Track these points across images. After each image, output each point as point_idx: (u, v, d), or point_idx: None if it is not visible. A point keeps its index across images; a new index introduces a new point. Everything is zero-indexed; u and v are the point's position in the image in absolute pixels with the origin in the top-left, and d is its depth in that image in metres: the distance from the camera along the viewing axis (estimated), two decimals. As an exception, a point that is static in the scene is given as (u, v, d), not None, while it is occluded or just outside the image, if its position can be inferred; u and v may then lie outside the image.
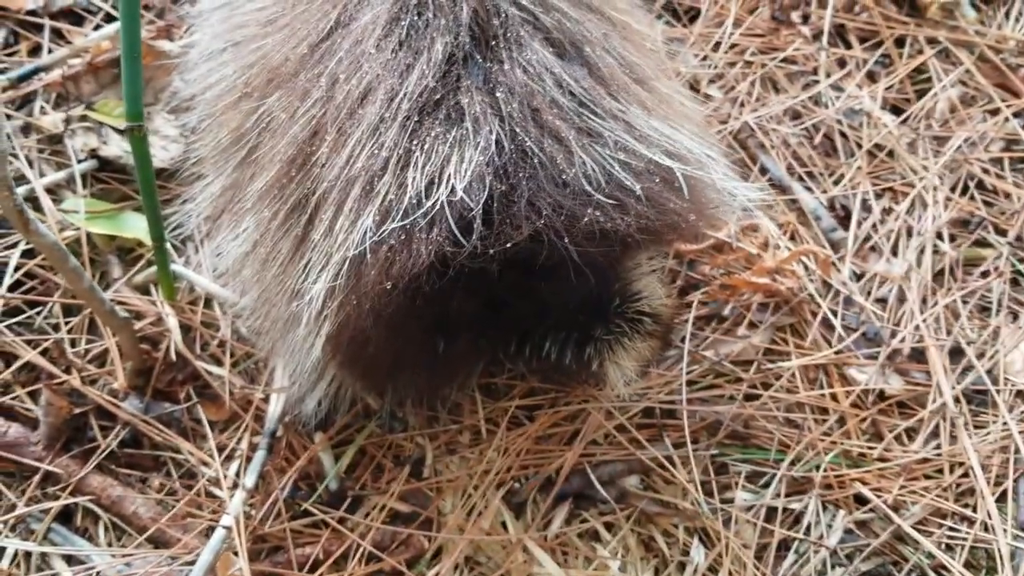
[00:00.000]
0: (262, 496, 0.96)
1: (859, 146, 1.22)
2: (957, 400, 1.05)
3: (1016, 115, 1.25)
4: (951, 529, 0.99)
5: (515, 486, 0.99)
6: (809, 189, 1.19)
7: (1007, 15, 1.32)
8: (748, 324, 1.09)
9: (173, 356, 1.01)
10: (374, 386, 0.97)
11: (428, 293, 0.71)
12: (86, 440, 0.99)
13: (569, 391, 1.03)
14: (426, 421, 1.02)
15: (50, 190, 1.09)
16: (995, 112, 1.26)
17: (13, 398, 1.00)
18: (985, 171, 1.21)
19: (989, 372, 1.08)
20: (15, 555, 0.93)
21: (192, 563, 0.90)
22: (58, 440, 0.97)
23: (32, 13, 1.31)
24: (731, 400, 1.04)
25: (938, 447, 1.03)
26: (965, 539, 0.98)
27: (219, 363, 1.03)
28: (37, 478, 0.96)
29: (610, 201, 0.71)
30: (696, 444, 1.01)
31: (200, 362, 1.02)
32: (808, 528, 0.99)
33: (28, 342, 1.02)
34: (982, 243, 1.17)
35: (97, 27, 1.28)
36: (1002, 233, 1.18)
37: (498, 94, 0.73)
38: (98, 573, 0.92)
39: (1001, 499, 1.00)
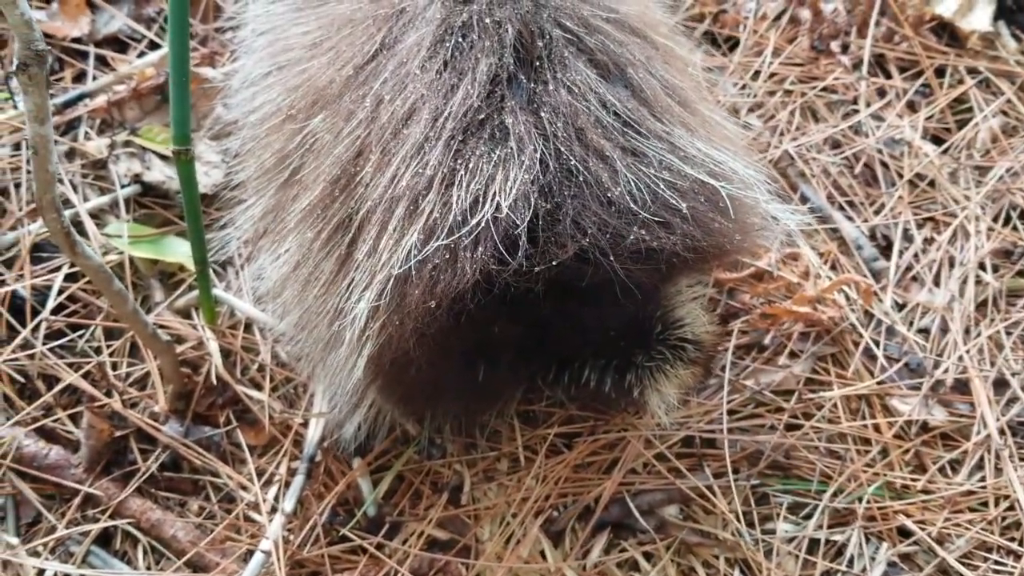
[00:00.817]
0: (300, 521, 0.95)
1: (900, 175, 1.21)
2: (1002, 432, 1.03)
3: (1059, 145, 1.24)
4: (997, 563, 0.97)
5: (553, 514, 0.97)
6: (850, 218, 1.18)
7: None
8: (789, 353, 1.08)
9: (213, 380, 1.02)
10: (413, 411, 0.97)
11: (472, 313, 0.71)
12: (126, 463, 0.99)
13: (608, 419, 1.02)
14: (464, 448, 1.01)
15: (94, 214, 1.10)
16: (1038, 142, 1.25)
17: (55, 420, 1.01)
18: (1029, 200, 1.20)
19: (1035, 403, 1.06)
20: (54, 577, 0.93)
21: (230, 587, 0.90)
22: (99, 463, 0.97)
23: (77, 40, 1.33)
24: (772, 430, 1.03)
25: (983, 479, 1.01)
26: (1011, 573, 0.96)
27: (259, 387, 1.03)
28: (77, 500, 0.96)
29: (656, 220, 0.71)
30: (737, 474, 1.00)
31: (240, 386, 1.03)
32: (851, 561, 0.97)
33: (70, 365, 1.02)
34: (1026, 273, 1.16)
35: (141, 54, 1.30)
36: (1047, 263, 1.16)
37: (542, 114, 0.73)
38: (136, 596, 0.91)
39: (1049, 533, 0.98)
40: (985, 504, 1.00)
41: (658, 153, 0.74)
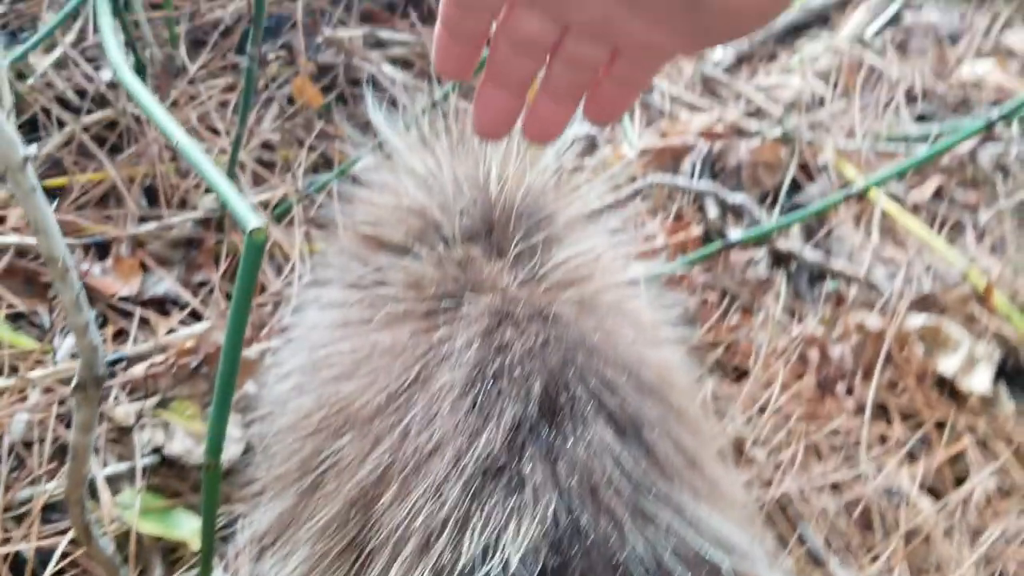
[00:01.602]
0: None
1: (896, 526, 1.24)
2: None
3: (1053, 513, 1.27)
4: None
5: None
6: (846, 564, 1.20)
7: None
8: None
9: (200, 666, 1.01)
10: None
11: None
12: None
13: None
14: None
15: (109, 479, 1.13)
16: (1032, 508, 1.28)
17: None
18: (1022, 566, 1.22)
19: None
20: None
21: None
22: None
23: (124, 299, 1.40)
24: None
25: None
26: None
27: None
28: None
29: (658, 588, 0.73)
30: None
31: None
32: None
33: (61, 632, 1.02)
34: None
35: (183, 321, 1.37)
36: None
37: (559, 467, 0.77)
38: None
39: None
40: None
41: (666, 518, 0.77)
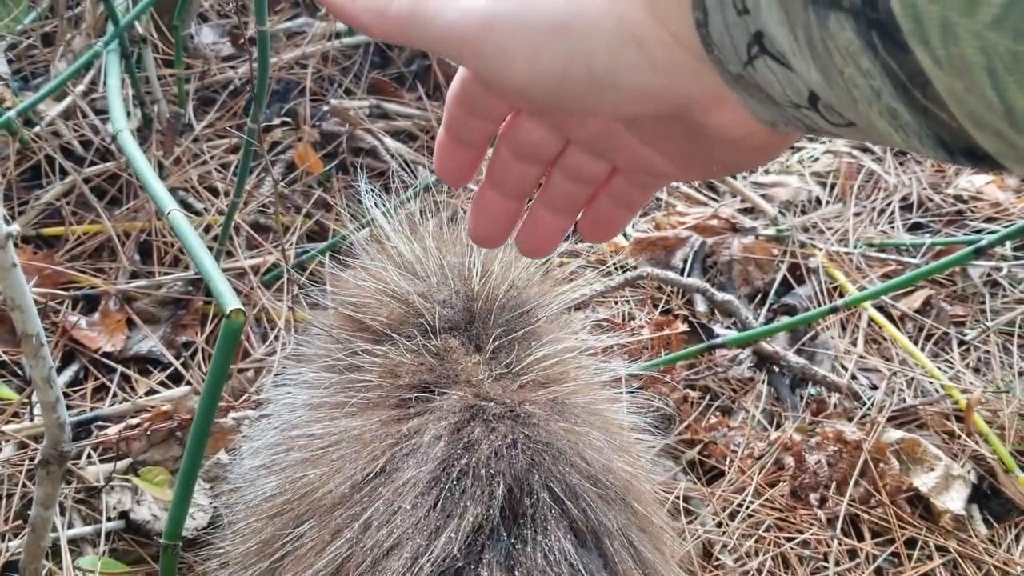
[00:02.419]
0: None
1: (862, 644, 1.23)
2: None
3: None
4: None
5: None
6: None
7: (1017, 539, 1.36)
8: None
9: None
10: None
11: None
12: None
13: None
14: None
15: (72, 541, 1.12)
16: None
17: None
18: None
19: None
20: None
21: None
22: None
23: (107, 354, 1.41)
24: None
25: None
26: None
27: None
28: None
29: None
30: None
31: None
32: None
33: None
34: None
35: (163, 383, 1.37)
36: None
37: (516, 573, 0.77)
38: None
39: None
40: None
41: (619, 634, 0.77)
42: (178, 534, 0.82)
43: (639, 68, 0.44)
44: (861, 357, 1.62)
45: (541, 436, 0.85)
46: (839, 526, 1.33)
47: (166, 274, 1.51)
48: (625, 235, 1.79)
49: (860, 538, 1.34)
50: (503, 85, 0.48)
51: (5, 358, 1.34)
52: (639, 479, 0.92)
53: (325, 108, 1.86)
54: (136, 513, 1.14)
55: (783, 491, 1.36)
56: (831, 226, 1.91)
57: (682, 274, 1.72)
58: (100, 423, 1.25)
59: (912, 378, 1.58)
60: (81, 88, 1.70)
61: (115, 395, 1.34)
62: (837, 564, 1.30)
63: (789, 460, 1.39)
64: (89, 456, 1.21)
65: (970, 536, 1.35)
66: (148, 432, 1.20)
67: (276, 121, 1.82)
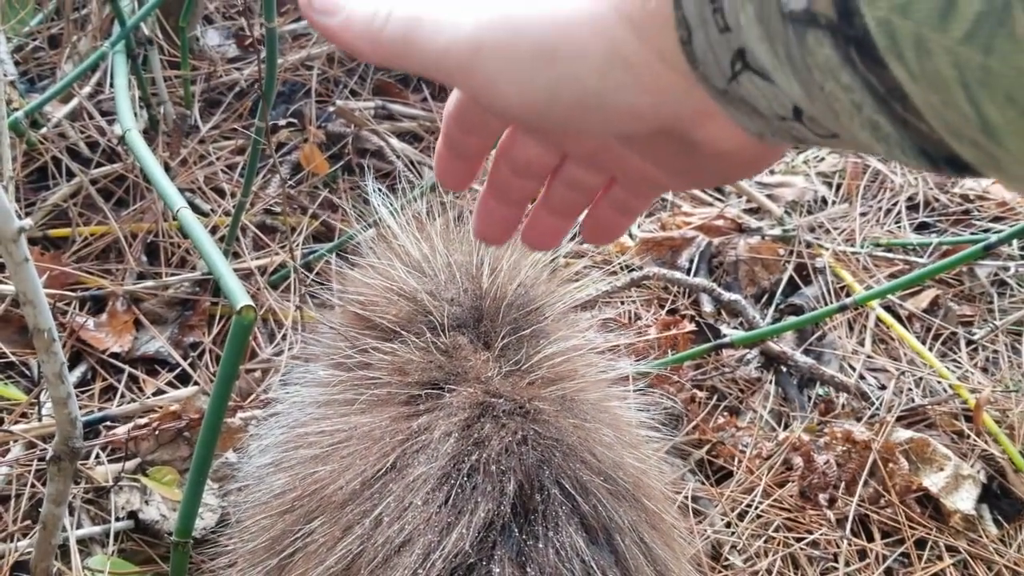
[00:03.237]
0: None
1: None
2: None
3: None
4: None
5: None
6: None
7: (1028, 538, 1.36)
8: None
9: None
10: None
11: None
12: None
13: None
14: None
15: (81, 541, 1.12)
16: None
17: None
18: None
19: None
20: None
21: None
22: None
23: (115, 355, 1.41)
24: None
25: None
26: None
27: None
28: None
29: None
30: None
31: None
32: None
33: None
34: None
35: (171, 383, 1.37)
36: None
37: (528, 569, 0.77)
38: None
39: None
40: None
41: (631, 629, 0.76)
42: (189, 531, 0.82)
43: (627, 89, 0.45)
44: (869, 357, 1.61)
45: (551, 432, 0.84)
46: (849, 526, 1.33)
47: (173, 275, 1.51)
48: (631, 235, 1.79)
49: (870, 538, 1.34)
50: (495, 108, 0.49)
51: (12, 359, 1.34)
52: (649, 476, 0.91)
53: (331, 109, 1.86)
54: (145, 513, 1.14)
55: (792, 491, 1.36)
56: (837, 226, 1.91)
57: (688, 274, 1.72)
58: (108, 423, 1.25)
59: (920, 378, 1.58)
60: (87, 90, 1.70)
61: (123, 395, 1.33)
62: (847, 564, 1.30)
63: (798, 460, 1.39)
64: (98, 456, 1.21)
65: (980, 536, 1.35)
66: (156, 432, 1.20)
67: (282, 122, 1.82)
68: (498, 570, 0.76)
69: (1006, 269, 1.83)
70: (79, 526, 1.13)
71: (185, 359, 1.40)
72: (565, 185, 0.56)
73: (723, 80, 0.41)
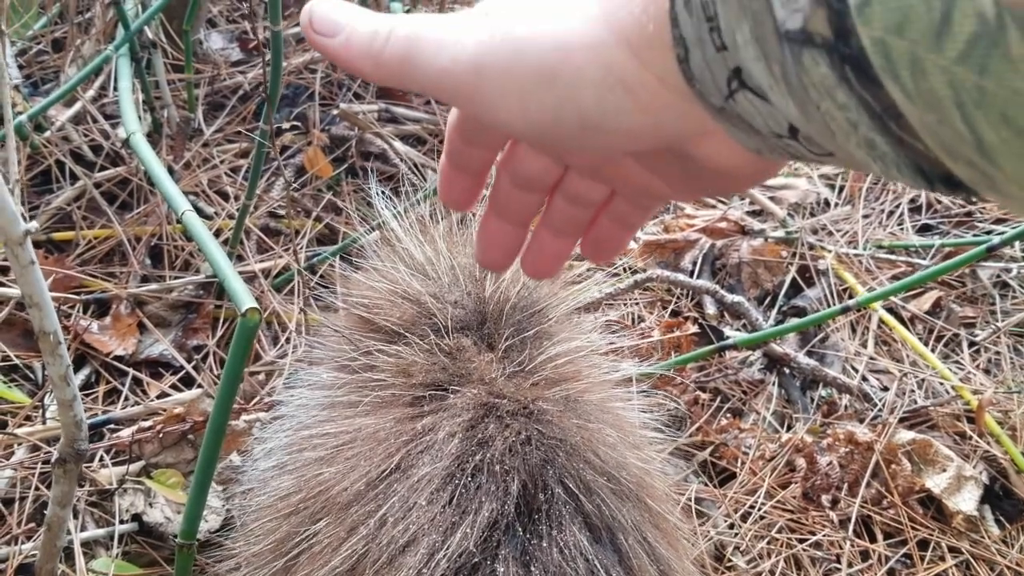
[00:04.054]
0: None
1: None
2: None
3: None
4: None
5: None
6: None
7: (1030, 539, 1.36)
8: None
9: None
10: None
11: None
12: None
13: None
14: None
15: (85, 544, 1.12)
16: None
17: None
18: None
19: None
20: None
21: None
22: None
23: (119, 358, 1.41)
24: None
25: None
26: None
27: None
28: None
29: None
30: None
31: None
32: None
33: None
34: None
35: (174, 386, 1.37)
36: None
37: (532, 569, 0.77)
38: None
39: None
40: None
41: (634, 629, 0.77)
42: (194, 533, 0.83)
43: (627, 111, 0.45)
44: (871, 359, 1.62)
45: (555, 432, 0.85)
46: (851, 527, 1.33)
47: (177, 278, 1.51)
48: (634, 238, 1.79)
49: (872, 539, 1.34)
50: (496, 127, 0.49)
51: (17, 362, 1.34)
52: (652, 476, 0.92)
53: (334, 112, 1.86)
54: (149, 515, 1.14)
55: (795, 492, 1.36)
56: (840, 228, 1.91)
57: (691, 276, 1.72)
58: (112, 426, 1.25)
59: (923, 379, 1.58)
60: (91, 93, 1.71)
61: (127, 398, 1.34)
62: (850, 565, 1.30)
63: (801, 462, 1.39)
64: (102, 459, 1.21)
65: (983, 537, 1.35)
66: (160, 435, 1.21)
67: (286, 126, 1.83)
68: (502, 569, 0.76)
69: (1008, 271, 1.83)
70: (83, 529, 1.13)
71: (189, 362, 1.40)
72: (566, 199, 0.57)
73: (720, 98, 0.42)
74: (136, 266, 1.51)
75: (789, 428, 1.48)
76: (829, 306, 1.67)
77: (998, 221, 1.94)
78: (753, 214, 1.92)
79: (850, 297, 1.68)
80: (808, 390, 1.57)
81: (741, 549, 1.29)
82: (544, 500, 0.81)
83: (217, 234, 1.58)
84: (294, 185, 1.72)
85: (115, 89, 1.72)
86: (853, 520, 1.33)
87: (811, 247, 1.82)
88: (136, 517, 1.15)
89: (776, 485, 1.37)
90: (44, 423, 1.21)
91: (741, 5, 0.38)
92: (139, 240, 1.55)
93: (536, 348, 0.96)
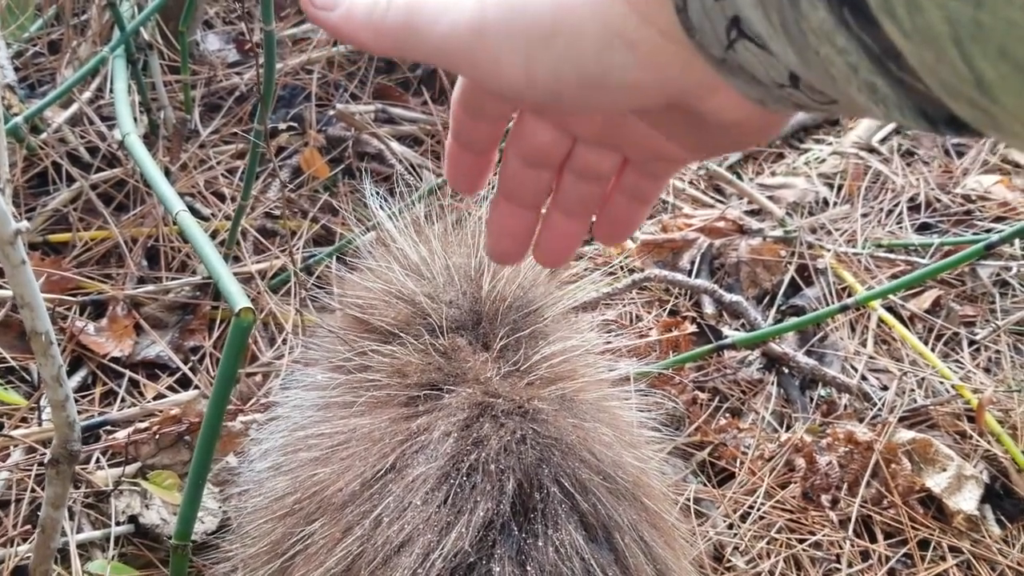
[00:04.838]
0: None
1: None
2: None
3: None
4: None
5: None
6: None
7: (1031, 539, 1.35)
8: None
9: None
10: None
11: None
12: None
13: None
14: None
15: (81, 545, 1.12)
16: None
17: None
18: None
19: None
20: None
21: None
22: None
23: (115, 360, 1.41)
24: None
25: None
26: None
27: None
28: None
29: None
30: None
31: None
32: None
33: None
34: None
35: (171, 387, 1.37)
36: None
37: (528, 568, 0.77)
38: None
39: None
40: None
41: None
42: (188, 534, 0.82)
43: (630, 67, 0.45)
44: (871, 358, 1.61)
45: (550, 432, 0.84)
46: (851, 527, 1.32)
47: (173, 279, 1.51)
48: (632, 237, 1.79)
49: (872, 539, 1.33)
50: (500, 91, 0.49)
51: (13, 364, 1.34)
52: (649, 475, 0.91)
53: (331, 113, 1.86)
54: (145, 517, 1.14)
55: (794, 492, 1.36)
56: (839, 227, 1.91)
57: (689, 276, 1.72)
58: (109, 428, 1.25)
59: (923, 378, 1.57)
60: (87, 95, 1.70)
61: (123, 400, 1.33)
62: (850, 565, 1.29)
63: (800, 461, 1.39)
64: (98, 461, 1.21)
65: (983, 536, 1.34)
66: (157, 436, 1.20)
67: (282, 126, 1.82)
68: (498, 569, 0.76)
69: (1008, 269, 1.82)
70: (79, 530, 1.13)
71: (186, 363, 1.40)
72: (577, 175, 0.56)
73: (720, 48, 0.42)
74: (133, 268, 1.51)
75: (788, 428, 1.47)
76: (828, 305, 1.66)
77: (998, 219, 1.94)
78: (751, 213, 1.92)
79: (849, 296, 1.68)
80: (807, 389, 1.57)
81: (740, 549, 1.28)
82: (540, 499, 0.80)
83: (214, 235, 1.57)
84: (290, 186, 1.71)
85: (111, 91, 1.72)
86: (853, 520, 1.33)
87: (810, 246, 1.81)
88: (132, 519, 1.14)
89: (775, 485, 1.36)
90: (40, 425, 1.20)
91: None
92: (135, 242, 1.55)
93: (531, 347, 0.96)
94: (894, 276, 1.75)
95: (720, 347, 1.49)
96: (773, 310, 1.69)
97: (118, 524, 1.13)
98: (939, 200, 2.00)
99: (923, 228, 1.95)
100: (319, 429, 0.91)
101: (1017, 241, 1.86)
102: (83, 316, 1.43)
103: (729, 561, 1.26)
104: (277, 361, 1.38)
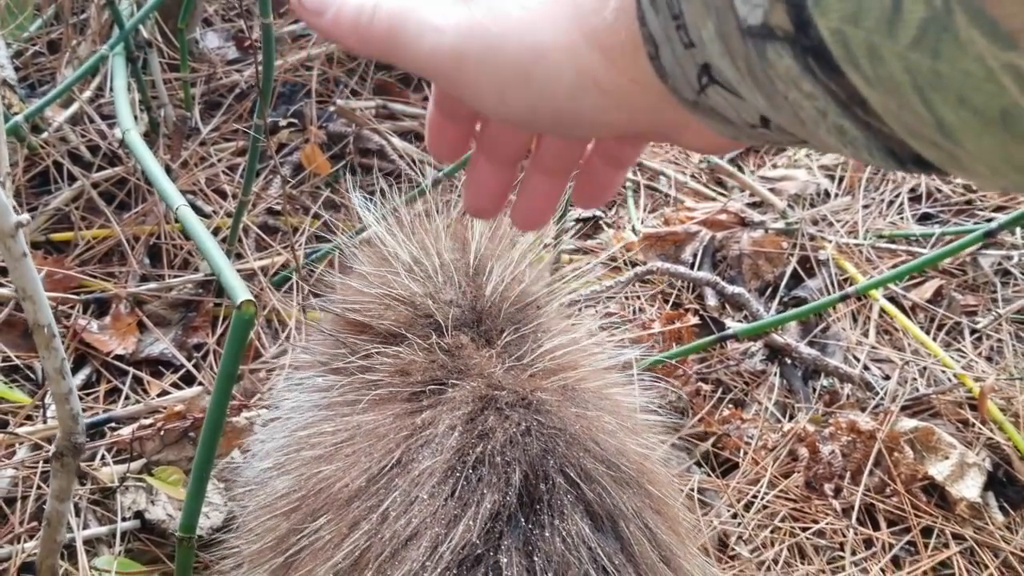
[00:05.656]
0: None
1: (880, 633, 1.22)
2: None
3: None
4: None
5: None
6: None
7: (1035, 525, 1.36)
8: None
9: None
10: None
11: None
12: None
13: None
14: None
15: (88, 542, 1.12)
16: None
17: None
18: None
19: None
20: None
21: None
22: None
23: (119, 357, 1.41)
24: None
25: None
26: None
27: None
28: None
29: None
30: None
31: None
32: None
33: None
34: None
35: (175, 384, 1.37)
36: None
37: (535, 558, 0.77)
38: None
39: None
40: None
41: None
42: (193, 527, 0.82)
43: (603, 108, 0.46)
44: (873, 348, 1.61)
45: (554, 422, 0.84)
46: (855, 516, 1.33)
47: (176, 277, 1.51)
48: (634, 231, 1.79)
49: (876, 527, 1.33)
50: (478, 109, 0.50)
51: (17, 362, 1.34)
52: (652, 462, 0.91)
53: (331, 109, 1.86)
54: (151, 513, 1.14)
55: (798, 482, 1.36)
56: (840, 218, 1.91)
57: (692, 268, 1.72)
58: (113, 424, 1.25)
59: (925, 367, 1.57)
60: (88, 94, 1.70)
61: (128, 397, 1.34)
62: (853, 553, 1.29)
63: (803, 451, 1.39)
64: (103, 457, 1.21)
65: (987, 524, 1.34)
66: (161, 432, 1.20)
67: (283, 123, 1.82)
68: (506, 560, 0.76)
69: (1009, 258, 1.82)
70: (86, 526, 1.13)
71: (189, 360, 1.40)
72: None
73: (692, 93, 0.43)
74: (135, 265, 1.51)
75: (791, 418, 1.48)
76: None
77: (998, 209, 1.94)
78: (753, 206, 1.92)
79: (851, 287, 1.68)
80: (810, 380, 1.57)
81: (744, 539, 1.29)
82: (545, 490, 0.80)
83: (216, 232, 1.58)
84: (292, 182, 1.71)
85: (111, 89, 1.72)
86: (856, 508, 1.33)
87: (811, 238, 1.81)
88: (138, 515, 1.15)
89: (779, 475, 1.37)
90: (45, 422, 1.20)
91: (704, 3, 0.39)
92: (138, 239, 1.55)
93: (535, 342, 0.96)
94: (895, 267, 1.75)
95: (723, 338, 1.50)
96: (775, 302, 1.70)
97: (124, 520, 1.14)
98: (940, 190, 2.00)
99: (924, 218, 1.95)
100: (322, 427, 0.91)
101: (1019, 230, 1.86)
102: (86, 314, 1.44)
103: (733, 550, 1.27)
104: (280, 357, 1.39)
